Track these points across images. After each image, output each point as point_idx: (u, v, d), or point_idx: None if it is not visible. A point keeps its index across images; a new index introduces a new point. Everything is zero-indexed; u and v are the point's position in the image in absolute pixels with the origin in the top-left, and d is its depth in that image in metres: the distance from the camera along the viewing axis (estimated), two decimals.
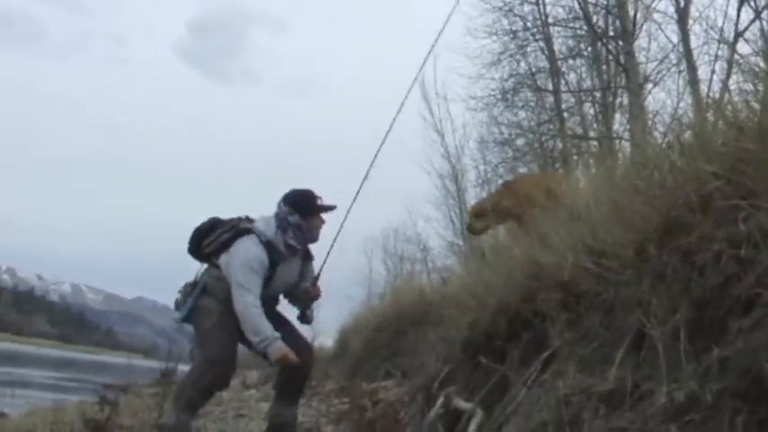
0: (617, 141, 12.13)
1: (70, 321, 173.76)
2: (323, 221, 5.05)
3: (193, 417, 5.06)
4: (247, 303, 4.71)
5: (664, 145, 3.28)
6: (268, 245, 4.88)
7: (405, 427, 5.23)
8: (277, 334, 4.71)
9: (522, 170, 15.73)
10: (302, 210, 4.95)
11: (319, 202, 5.01)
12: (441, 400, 3.95)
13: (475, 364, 3.81)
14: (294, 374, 4.98)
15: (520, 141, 15.96)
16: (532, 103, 15.75)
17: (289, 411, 5.06)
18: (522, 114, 16.09)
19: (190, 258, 5.12)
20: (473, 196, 18.74)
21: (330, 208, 5.05)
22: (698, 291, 2.27)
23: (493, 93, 15.11)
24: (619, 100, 14.11)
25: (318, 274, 5.23)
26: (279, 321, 5.03)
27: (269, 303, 4.93)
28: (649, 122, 9.28)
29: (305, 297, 5.17)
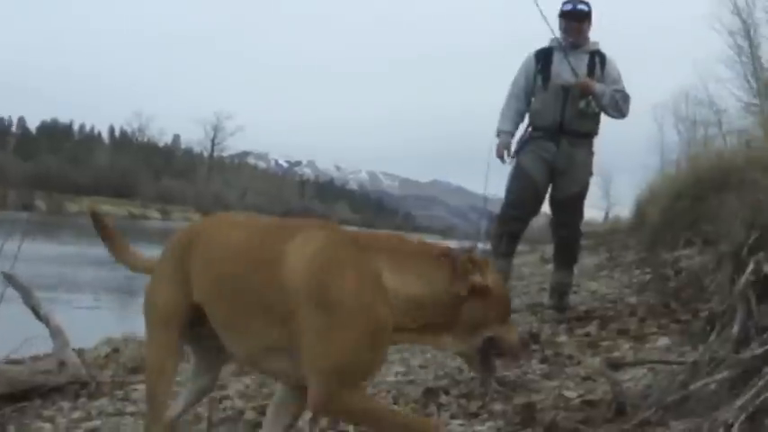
0: None
1: (370, 207, 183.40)
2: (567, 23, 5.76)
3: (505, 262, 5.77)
4: None
5: None
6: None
7: (711, 295, 5.13)
8: None
9: None
10: None
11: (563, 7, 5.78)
12: (751, 267, 3.83)
13: None
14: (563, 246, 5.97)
15: None
16: None
17: (564, 275, 5.98)
18: None
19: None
20: None
21: (563, 14, 5.75)
22: None
23: None
24: None
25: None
26: None
27: None
28: None
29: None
